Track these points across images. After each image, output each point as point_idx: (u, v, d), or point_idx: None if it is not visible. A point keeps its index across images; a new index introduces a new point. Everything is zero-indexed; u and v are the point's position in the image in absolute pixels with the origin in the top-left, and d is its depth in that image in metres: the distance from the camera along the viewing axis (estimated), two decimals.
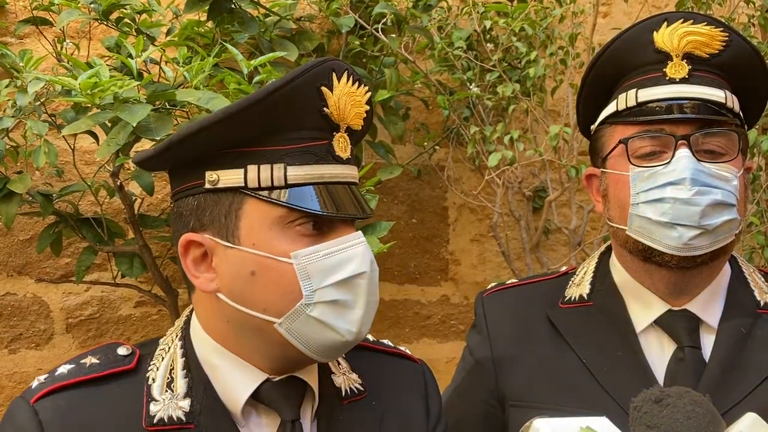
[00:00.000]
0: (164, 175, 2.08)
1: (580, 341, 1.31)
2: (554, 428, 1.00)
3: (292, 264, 0.98)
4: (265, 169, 0.99)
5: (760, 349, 1.24)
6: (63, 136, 1.83)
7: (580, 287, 1.37)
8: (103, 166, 1.95)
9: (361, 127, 1.08)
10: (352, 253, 1.01)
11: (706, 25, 1.24)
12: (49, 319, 2.13)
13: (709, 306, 1.28)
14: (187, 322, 1.11)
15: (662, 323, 1.28)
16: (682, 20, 1.25)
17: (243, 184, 1.00)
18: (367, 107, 1.08)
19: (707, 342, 1.26)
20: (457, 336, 2.55)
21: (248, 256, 0.99)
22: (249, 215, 1.00)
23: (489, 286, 1.48)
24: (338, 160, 1.03)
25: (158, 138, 1.59)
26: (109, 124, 1.64)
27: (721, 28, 1.25)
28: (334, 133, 1.03)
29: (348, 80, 1.04)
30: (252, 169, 1.00)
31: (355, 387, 1.14)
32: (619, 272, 1.34)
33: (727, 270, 1.32)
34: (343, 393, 1.12)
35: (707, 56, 1.25)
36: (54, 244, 1.95)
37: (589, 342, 1.30)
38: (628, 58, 1.29)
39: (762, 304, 1.29)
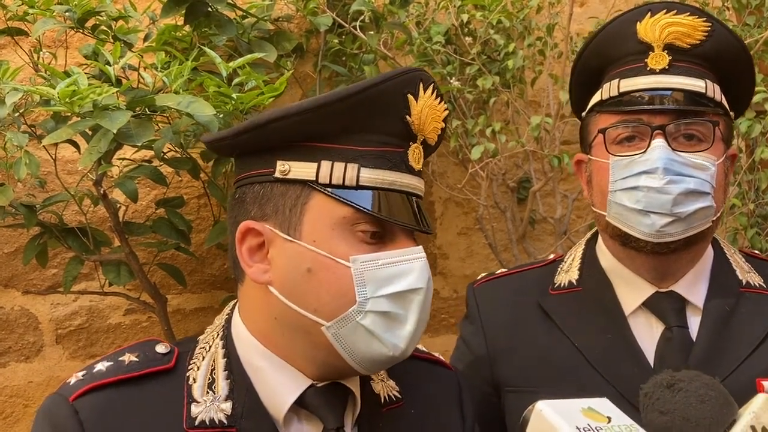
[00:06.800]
0: (148, 182, 2.07)
1: (571, 326, 1.33)
2: (557, 409, 0.99)
3: (349, 268, 0.96)
4: (338, 166, 0.97)
5: (744, 325, 1.28)
6: (44, 147, 1.81)
7: (569, 273, 1.39)
8: (85, 174, 1.93)
9: (434, 143, 1.07)
10: (410, 266, 0.99)
11: (689, 15, 1.27)
12: (38, 331, 2.11)
13: (694, 287, 1.31)
14: (228, 321, 1.08)
15: (650, 305, 1.31)
16: (665, 11, 1.27)
17: (314, 179, 0.98)
18: (443, 124, 1.07)
19: (694, 321, 1.29)
20: (448, 330, 2.56)
21: (307, 252, 0.97)
22: (314, 211, 0.98)
23: (479, 277, 1.49)
24: (411, 170, 1.02)
25: (139, 144, 1.58)
26: (90, 132, 1.63)
27: (704, 18, 1.27)
28: (411, 143, 1.02)
29: (432, 93, 1.03)
30: (326, 164, 0.98)
31: (393, 394, 1.12)
32: (606, 257, 1.37)
33: (710, 252, 1.36)
34: (382, 400, 1.10)
35: (688, 46, 1.27)
36: (40, 255, 1.94)
37: (580, 326, 1.33)
38: (612, 49, 1.32)
39: (744, 282, 1.33)
